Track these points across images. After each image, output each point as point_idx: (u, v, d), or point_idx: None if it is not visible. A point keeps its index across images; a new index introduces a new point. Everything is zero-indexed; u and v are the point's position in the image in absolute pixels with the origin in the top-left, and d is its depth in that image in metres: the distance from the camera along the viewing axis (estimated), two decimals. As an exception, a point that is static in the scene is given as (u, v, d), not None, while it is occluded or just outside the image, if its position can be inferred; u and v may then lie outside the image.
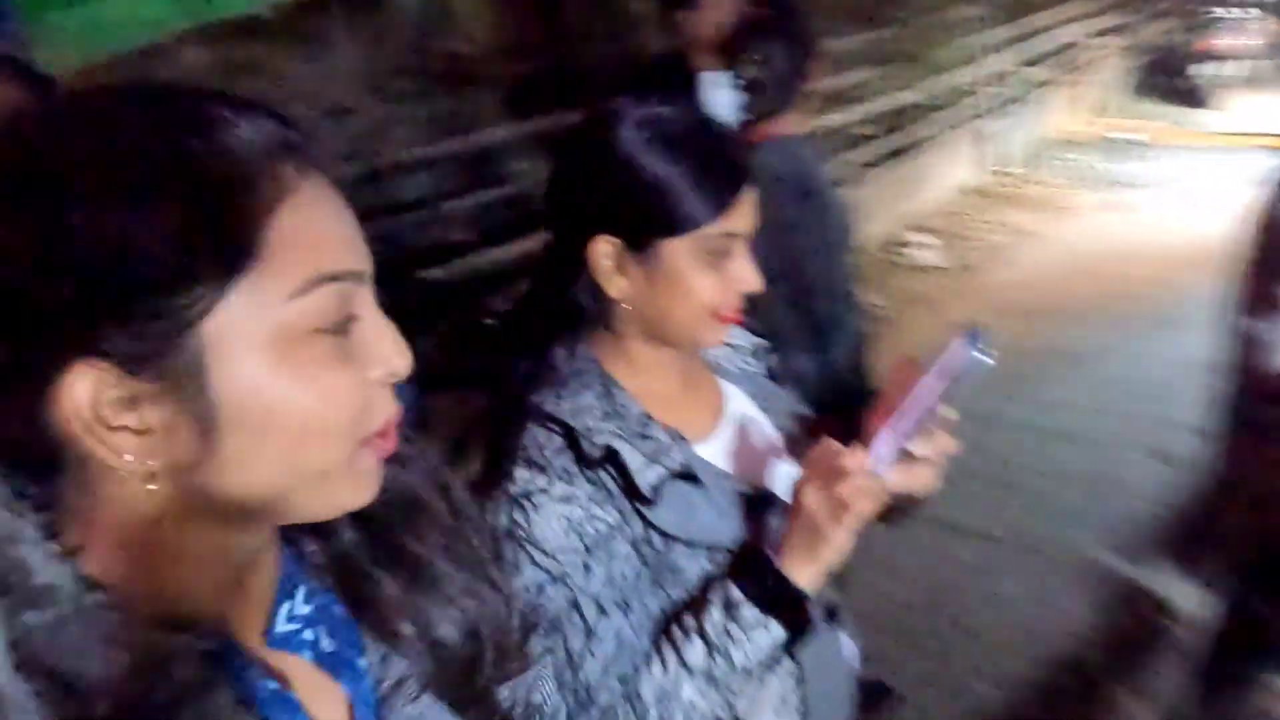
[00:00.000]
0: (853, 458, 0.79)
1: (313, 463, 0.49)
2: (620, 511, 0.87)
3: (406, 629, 0.61)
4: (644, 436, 0.89)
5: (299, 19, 4.11)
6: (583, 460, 0.87)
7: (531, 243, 3.95)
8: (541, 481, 0.85)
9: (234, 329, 0.45)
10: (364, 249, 0.51)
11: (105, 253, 0.42)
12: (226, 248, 0.44)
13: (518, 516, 0.84)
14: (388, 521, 0.62)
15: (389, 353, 0.51)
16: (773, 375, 1.09)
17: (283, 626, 0.57)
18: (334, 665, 0.58)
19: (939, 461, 0.85)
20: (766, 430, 1.01)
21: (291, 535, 0.60)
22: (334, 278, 0.47)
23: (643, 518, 0.87)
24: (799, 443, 0.99)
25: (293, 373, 0.47)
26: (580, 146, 0.91)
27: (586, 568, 0.84)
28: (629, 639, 0.85)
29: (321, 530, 0.60)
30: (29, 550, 0.44)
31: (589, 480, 0.87)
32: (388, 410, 0.52)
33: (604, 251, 0.87)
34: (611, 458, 0.87)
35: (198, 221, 0.43)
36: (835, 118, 5.37)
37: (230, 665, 0.49)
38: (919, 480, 0.86)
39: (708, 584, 0.87)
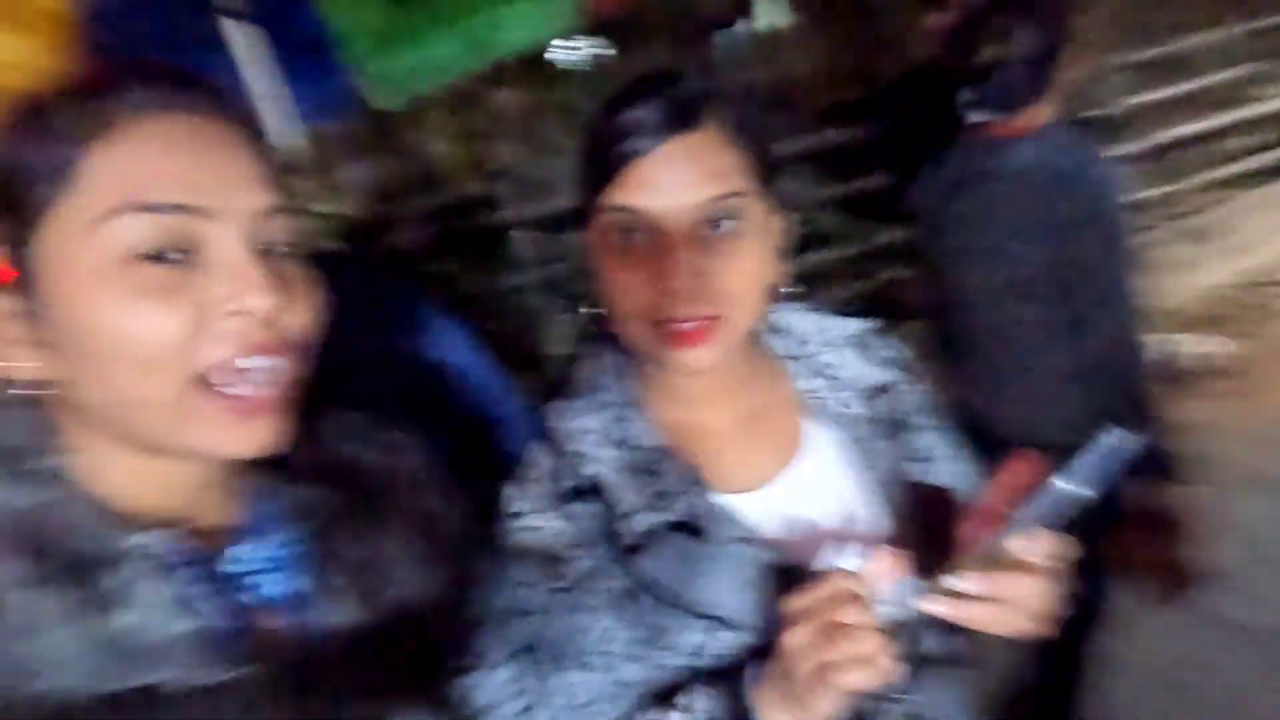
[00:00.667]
0: (858, 610, 0.62)
1: (133, 394, 0.53)
2: (596, 559, 0.75)
3: (352, 600, 0.64)
4: (651, 473, 0.77)
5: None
6: (566, 491, 0.77)
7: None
8: (518, 505, 0.79)
9: (56, 256, 0.52)
10: (227, 191, 0.54)
11: None
12: (38, 182, 0.52)
13: (505, 535, 0.78)
14: (360, 495, 0.68)
15: (238, 287, 0.53)
16: (897, 423, 0.88)
17: (234, 565, 0.61)
18: (286, 603, 0.63)
19: (1018, 602, 0.64)
20: (847, 492, 0.82)
21: (274, 486, 0.65)
22: (149, 208, 0.51)
23: (626, 567, 0.75)
24: (898, 518, 0.81)
25: (110, 299, 0.51)
26: None
27: (548, 611, 0.75)
28: (584, 700, 0.73)
29: (298, 485, 0.66)
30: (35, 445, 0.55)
31: (563, 516, 0.77)
32: (231, 345, 0.53)
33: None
34: (596, 493, 0.76)
35: (34, 160, 0.52)
36: (1195, 126, 4.54)
37: (180, 573, 0.55)
38: (985, 621, 0.65)
39: (686, 675, 0.73)
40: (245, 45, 1.87)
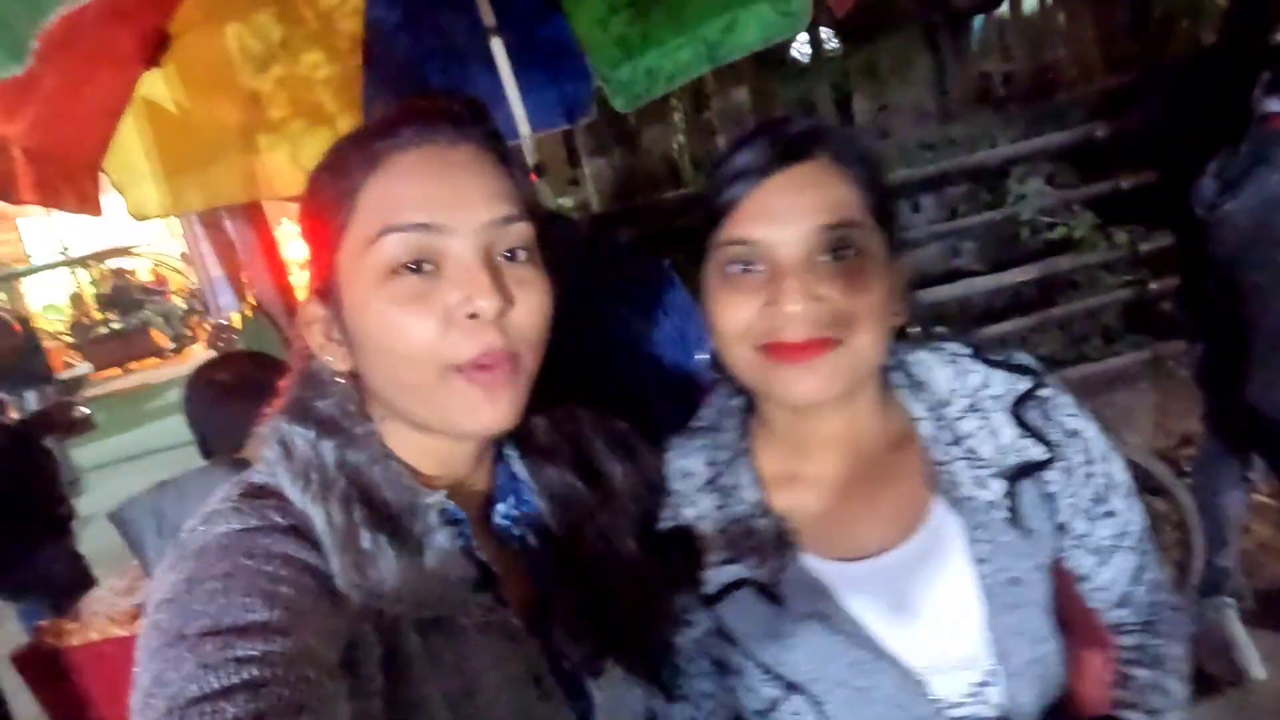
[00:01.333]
0: None
1: (404, 379, 0.64)
2: (680, 605, 0.76)
3: (581, 559, 0.73)
4: (744, 527, 0.74)
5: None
6: (661, 531, 0.77)
7: (1025, 272, 3.59)
8: None
9: (347, 272, 0.64)
10: (462, 208, 0.63)
11: (315, 221, 0.67)
12: (336, 212, 0.64)
13: None
14: (606, 495, 0.77)
15: (470, 293, 0.62)
16: (1044, 514, 0.75)
17: (499, 519, 0.73)
18: (533, 564, 0.73)
19: None
20: (961, 590, 0.73)
21: (524, 460, 0.75)
22: (399, 229, 0.62)
23: (709, 613, 0.75)
24: (1006, 639, 0.72)
25: (380, 305, 0.62)
26: None
27: None
28: None
29: (546, 468, 0.75)
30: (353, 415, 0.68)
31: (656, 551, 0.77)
32: (473, 345, 0.63)
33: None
34: (686, 536, 0.75)
35: (332, 195, 0.65)
36: None
37: (462, 530, 0.67)
38: None
39: None
40: (503, 56, 2.05)
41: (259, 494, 0.63)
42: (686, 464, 0.81)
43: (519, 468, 0.75)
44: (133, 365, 13.38)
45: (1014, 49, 4.73)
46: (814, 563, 0.75)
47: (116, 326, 13.73)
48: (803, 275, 0.68)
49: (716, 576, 0.75)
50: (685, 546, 0.76)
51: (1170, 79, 2.42)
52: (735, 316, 0.71)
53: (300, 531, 0.60)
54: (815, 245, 0.70)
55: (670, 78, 2.73)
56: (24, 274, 15.41)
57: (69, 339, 14.17)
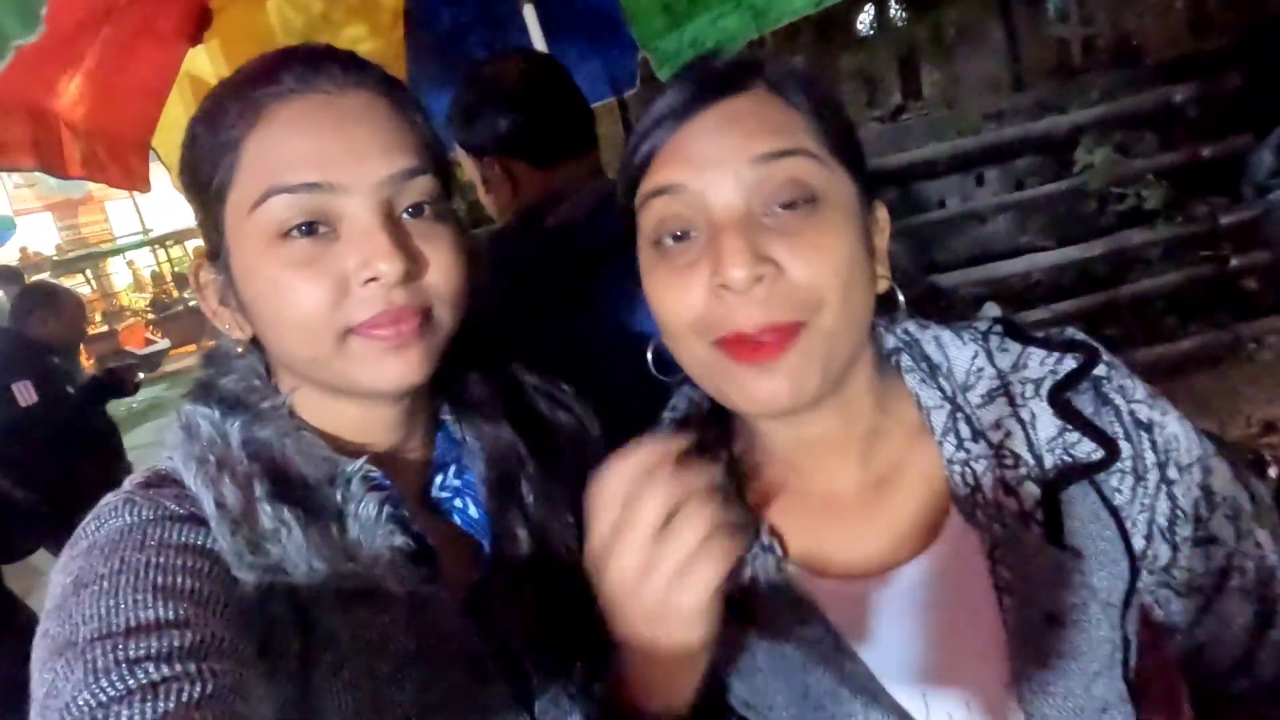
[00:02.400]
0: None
1: (299, 349, 0.60)
2: None
3: (522, 534, 0.68)
4: None
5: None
6: None
7: (1092, 247, 3.39)
8: None
9: (234, 235, 0.60)
10: (356, 163, 0.57)
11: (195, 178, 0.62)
12: (216, 169, 0.59)
13: None
14: (546, 446, 0.73)
15: (368, 256, 0.57)
16: (1095, 526, 0.59)
17: (437, 491, 0.69)
18: (478, 530, 0.69)
19: None
20: (987, 617, 0.58)
21: (460, 422, 0.71)
22: (286, 189, 0.57)
23: None
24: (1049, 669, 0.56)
25: (270, 271, 0.58)
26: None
27: None
28: None
29: (481, 424, 0.71)
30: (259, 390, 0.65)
31: None
32: (371, 307, 0.58)
33: None
34: None
35: (211, 150, 0.59)
36: None
37: (387, 497, 0.62)
38: None
39: None
40: (540, 28, 2.01)
41: (158, 483, 0.60)
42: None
43: (456, 431, 0.71)
44: (208, 342, 13.85)
45: (1094, 14, 4.48)
46: (802, 578, 0.61)
47: (193, 304, 14.29)
48: (745, 229, 0.54)
49: None
50: None
51: (1269, 40, 2.23)
52: (679, 301, 0.57)
53: (200, 519, 0.56)
54: (757, 189, 0.55)
55: (716, 45, 2.67)
56: (108, 254, 16.15)
57: (150, 316, 14.84)
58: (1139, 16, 4.24)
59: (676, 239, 0.57)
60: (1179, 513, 0.59)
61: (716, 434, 0.68)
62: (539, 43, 1.99)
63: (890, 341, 0.67)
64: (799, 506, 0.65)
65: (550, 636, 0.66)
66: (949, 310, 0.80)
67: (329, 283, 0.57)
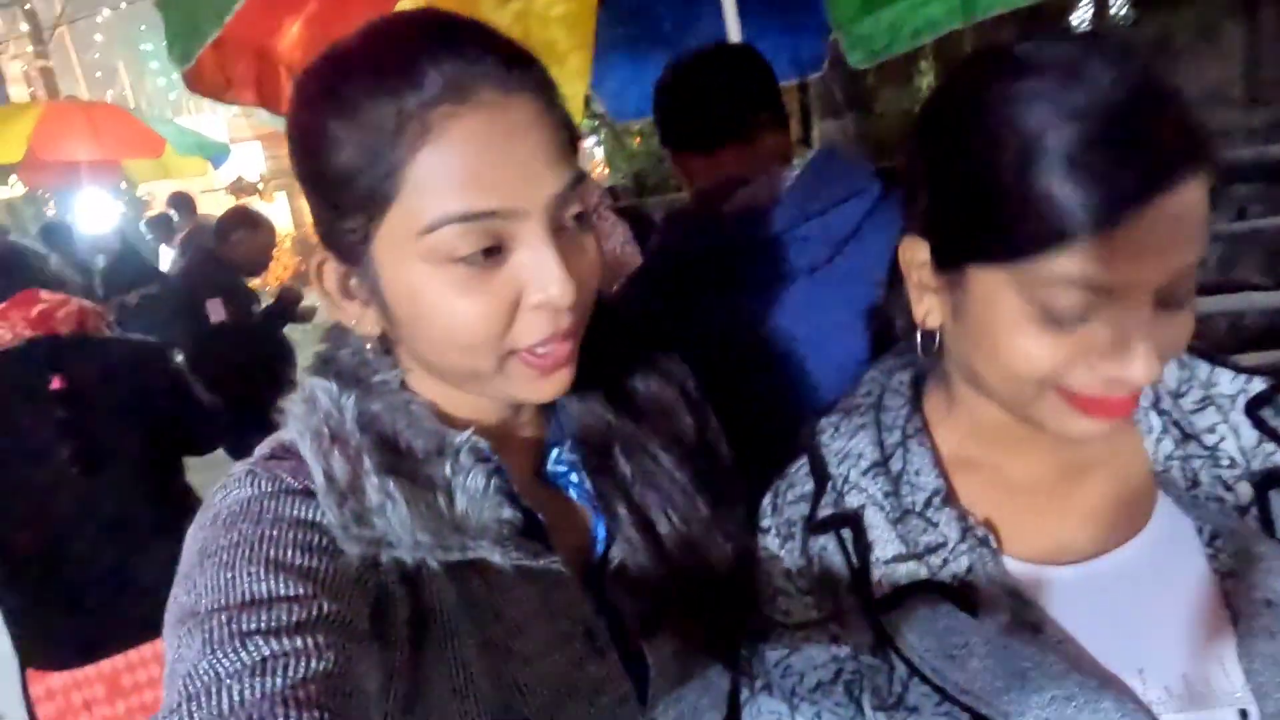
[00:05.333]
0: None
1: (458, 364, 0.59)
2: (834, 610, 0.65)
3: (623, 511, 0.68)
4: (923, 519, 0.64)
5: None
6: (821, 521, 0.67)
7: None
8: (767, 521, 0.71)
9: (389, 248, 0.56)
10: (530, 183, 0.54)
11: (331, 176, 0.56)
12: (366, 182, 0.54)
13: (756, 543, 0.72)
14: (638, 416, 0.72)
15: (544, 282, 0.55)
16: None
17: (552, 466, 0.69)
18: (592, 502, 0.69)
19: None
20: (1198, 605, 0.61)
21: (569, 399, 0.69)
22: (463, 219, 0.53)
23: (872, 623, 0.63)
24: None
25: (433, 293, 0.56)
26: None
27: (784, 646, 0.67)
28: None
29: (582, 401, 0.70)
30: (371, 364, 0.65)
31: (809, 550, 0.67)
32: (540, 331, 0.57)
33: (911, 257, 0.62)
34: (856, 529, 0.65)
35: (363, 160, 0.54)
36: None
37: (495, 470, 0.62)
38: None
39: None
40: (730, 6, 1.97)
41: (279, 454, 0.61)
42: (846, 444, 0.70)
43: (572, 413, 0.70)
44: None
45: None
46: (1013, 564, 0.63)
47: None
48: (1151, 327, 0.53)
49: (889, 576, 0.63)
50: (847, 540, 0.66)
51: None
52: (1039, 358, 0.55)
53: (314, 491, 0.57)
54: (1172, 289, 0.53)
55: (915, 33, 2.51)
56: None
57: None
58: None
59: (1074, 315, 0.54)
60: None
61: (908, 413, 0.69)
62: (732, 19, 1.95)
63: None
64: (998, 487, 0.66)
65: (670, 613, 0.66)
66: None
67: (500, 306, 0.56)
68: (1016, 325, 0.56)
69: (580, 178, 0.58)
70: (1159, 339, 0.53)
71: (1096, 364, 0.54)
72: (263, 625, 0.49)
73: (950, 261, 0.59)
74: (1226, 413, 0.66)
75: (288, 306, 3.56)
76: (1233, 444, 0.65)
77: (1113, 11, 4.95)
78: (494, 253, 0.55)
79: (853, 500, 0.66)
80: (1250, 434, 0.65)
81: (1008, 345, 0.56)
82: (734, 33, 1.95)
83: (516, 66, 0.56)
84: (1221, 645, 0.59)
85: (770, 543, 0.71)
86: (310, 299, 3.63)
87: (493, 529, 0.60)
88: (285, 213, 16.30)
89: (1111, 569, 0.62)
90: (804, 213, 1.07)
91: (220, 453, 2.19)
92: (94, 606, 1.77)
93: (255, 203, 13.95)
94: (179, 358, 2.01)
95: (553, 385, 0.60)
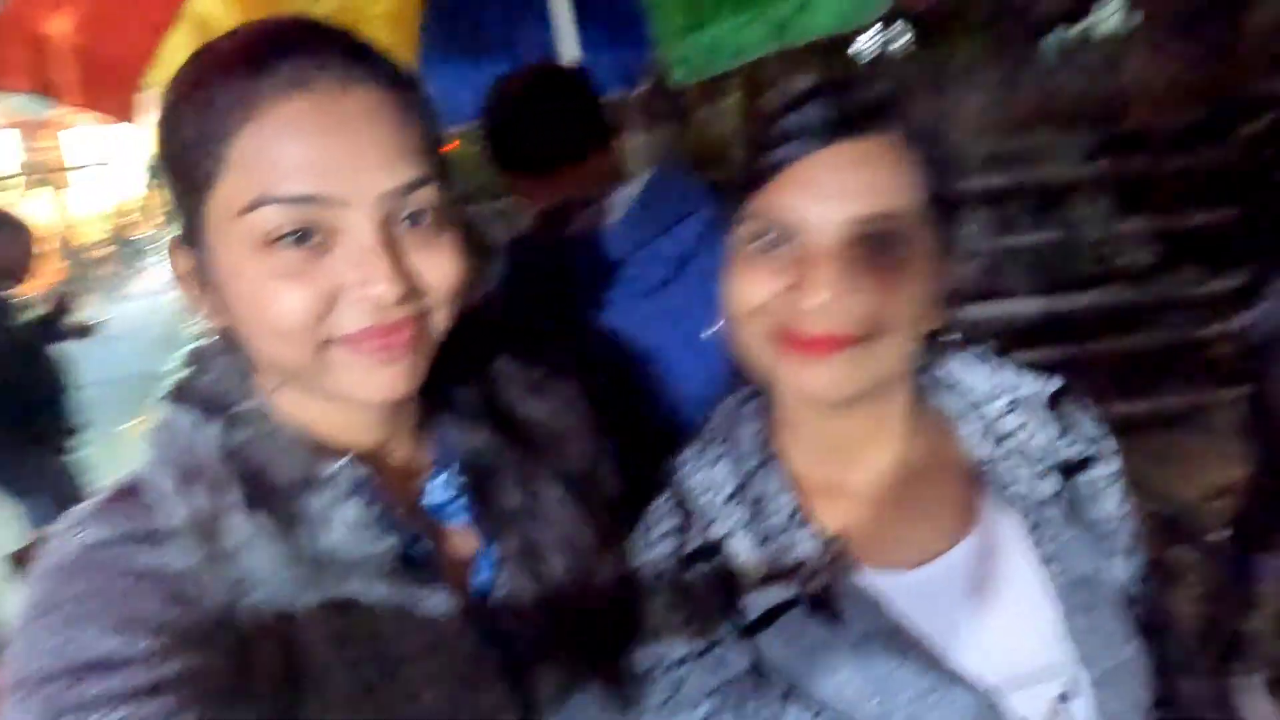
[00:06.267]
0: None
1: (277, 355, 0.57)
2: (711, 637, 0.66)
3: (511, 539, 0.66)
4: (782, 541, 0.67)
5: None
6: (688, 556, 0.69)
7: (1075, 300, 3.47)
8: (637, 560, 0.72)
9: (216, 231, 0.55)
10: (357, 174, 0.53)
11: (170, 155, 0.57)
12: (201, 157, 0.54)
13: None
14: (529, 443, 0.70)
15: (365, 277, 0.54)
16: (1092, 511, 0.72)
17: (432, 492, 0.66)
18: (478, 529, 0.66)
19: None
20: (1025, 589, 0.67)
21: (454, 427, 0.68)
22: (278, 200, 0.52)
23: (748, 648, 0.65)
24: (1090, 635, 0.66)
25: (253, 274, 0.54)
26: None
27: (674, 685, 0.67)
28: None
29: (467, 426, 0.68)
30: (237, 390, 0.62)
31: (679, 585, 0.68)
32: (358, 320, 0.55)
33: None
34: (719, 552, 0.67)
35: (196, 136, 0.54)
36: None
37: (373, 499, 0.59)
38: None
39: None
40: (562, 15, 1.97)
41: (125, 494, 0.57)
42: (706, 476, 0.72)
43: (454, 436, 0.68)
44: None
45: (1089, 68, 4.57)
46: (868, 574, 0.67)
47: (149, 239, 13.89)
48: (838, 265, 0.60)
49: (757, 601, 0.66)
50: (716, 571, 0.68)
51: (1252, 112, 2.30)
52: (753, 293, 0.64)
53: (164, 536, 0.53)
54: (859, 233, 0.61)
55: (735, 54, 2.63)
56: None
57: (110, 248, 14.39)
58: (1131, 74, 4.34)
59: (772, 245, 0.64)
60: (1121, 497, 0.75)
61: (761, 441, 0.73)
62: (565, 23, 1.95)
63: (924, 359, 0.75)
64: (847, 503, 0.70)
65: (557, 645, 0.64)
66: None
67: (317, 295, 0.54)
68: (737, 265, 0.66)
69: (423, 181, 0.56)
70: (856, 279, 0.61)
71: (790, 295, 0.63)
72: (109, 690, 0.44)
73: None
74: (1031, 412, 0.74)
75: (58, 317, 3.11)
76: (1040, 440, 0.73)
77: (894, 46, 5.45)
78: (312, 239, 0.53)
79: (718, 530, 0.68)
80: (1052, 428, 0.73)
81: (735, 289, 0.66)
82: (566, 41, 1.95)
83: (362, 62, 0.55)
84: (1051, 624, 0.66)
85: (642, 580, 0.71)
86: (89, 312, 3.20)
87: (373, 560, 0.56)
88: (50, 212, 14.44)
89: (951, 568, 0.68)
90: (644, 234, 1.10)
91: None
92: None
93: (11, 199, 12.24)
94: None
95: (390, 380, 0.57)
